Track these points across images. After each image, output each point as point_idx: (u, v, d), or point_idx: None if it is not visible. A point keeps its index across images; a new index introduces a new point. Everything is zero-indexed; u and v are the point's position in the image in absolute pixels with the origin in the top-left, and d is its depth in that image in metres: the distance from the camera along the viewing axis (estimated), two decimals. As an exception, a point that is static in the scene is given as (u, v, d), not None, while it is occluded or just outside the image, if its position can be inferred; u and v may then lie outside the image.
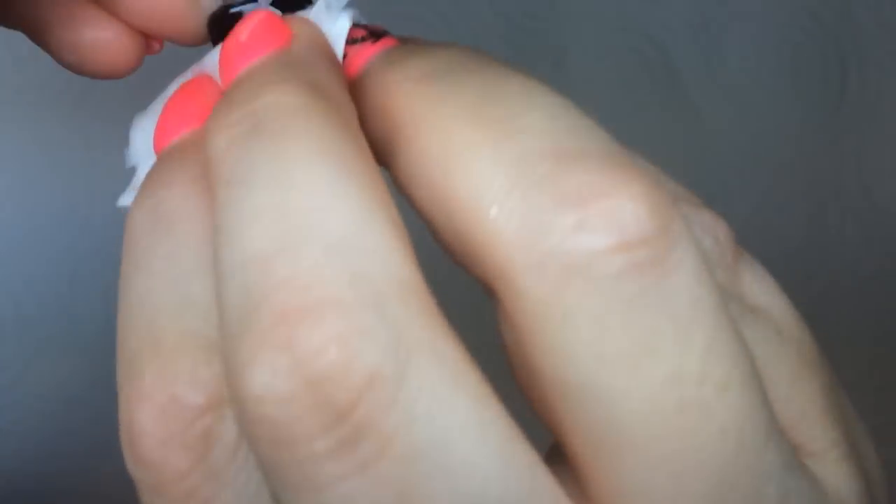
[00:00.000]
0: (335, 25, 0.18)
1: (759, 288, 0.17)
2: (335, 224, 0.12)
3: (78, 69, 0.21)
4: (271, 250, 0.12)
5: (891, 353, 0.60)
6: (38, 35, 0.21)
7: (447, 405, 0.12)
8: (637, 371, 0.12)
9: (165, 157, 0.17)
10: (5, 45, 0.22)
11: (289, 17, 0.18)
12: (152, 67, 0.23)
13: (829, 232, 0.59)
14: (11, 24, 0.22)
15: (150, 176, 0.16)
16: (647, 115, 0.57)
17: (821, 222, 0.59)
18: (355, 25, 0.18)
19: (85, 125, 0.51)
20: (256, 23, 0.17)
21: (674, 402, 0.12)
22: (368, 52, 0.17)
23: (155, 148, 0.18)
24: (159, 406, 0.14)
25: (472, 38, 0.55)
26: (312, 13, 0.18)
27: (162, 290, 0.15)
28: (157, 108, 0.19)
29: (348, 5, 0.18)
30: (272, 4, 0.19)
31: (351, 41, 0.18)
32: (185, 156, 0.16)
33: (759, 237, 0.59)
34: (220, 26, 0.19)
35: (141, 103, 0.20)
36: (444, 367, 0.12)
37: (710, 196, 0.65)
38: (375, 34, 0.18)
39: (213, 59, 0.19)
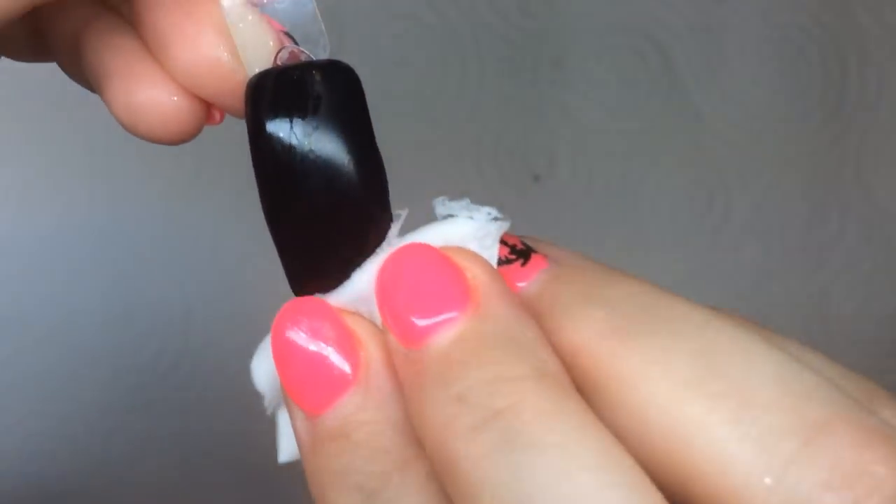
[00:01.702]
0: (485, 251, 0.17)
1: None
2: None
3: (131, 129, 0.19)
4: None
5: (891, 353, 0.60)
6: (100, 89, 0.20)
7: None
8: None
9: (350, 436, 0.16)
10: (5, 45, 0.22)
11: (450, 249, 0.17)
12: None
13: (829, 232, 0.59)
14: (86, 82, 0.20)
15: (337, 462, 0.16)
16: (647, 115, 0.57)
17: (821, 222, 0.59)
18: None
19: (85, 125, 0.51)
20: (422, 262, 0.16)
21: None
22: (521, 278, 0.18)
23: (308, 411, 0.17)
24: None
25: (473, 38, 0.55)
26: (458, 234, 0.17)
27: None
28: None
29: (496, 221, 0.18)
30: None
31: (498, 262, 0.18)
32: (372, 434, 0.16)
33: (760, 237, 0.59)
34: (259, 93, 0.18)
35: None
36: None
37: (710, 196, 0.65)
38: (521, 253, 0.18)
39: (354, 290, 0.17)
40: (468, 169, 0.55)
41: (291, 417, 0.17)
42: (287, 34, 0.19)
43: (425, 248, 0.17)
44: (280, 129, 0.17)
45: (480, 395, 0.15)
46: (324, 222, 0.17)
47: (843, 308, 0.60)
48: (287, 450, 0.19)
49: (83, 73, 0.20)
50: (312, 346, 0.17)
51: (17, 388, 0.53)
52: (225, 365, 0.54)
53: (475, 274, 0.16)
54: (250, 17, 0.18)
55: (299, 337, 0.17)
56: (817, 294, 0.60)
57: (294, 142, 0.17)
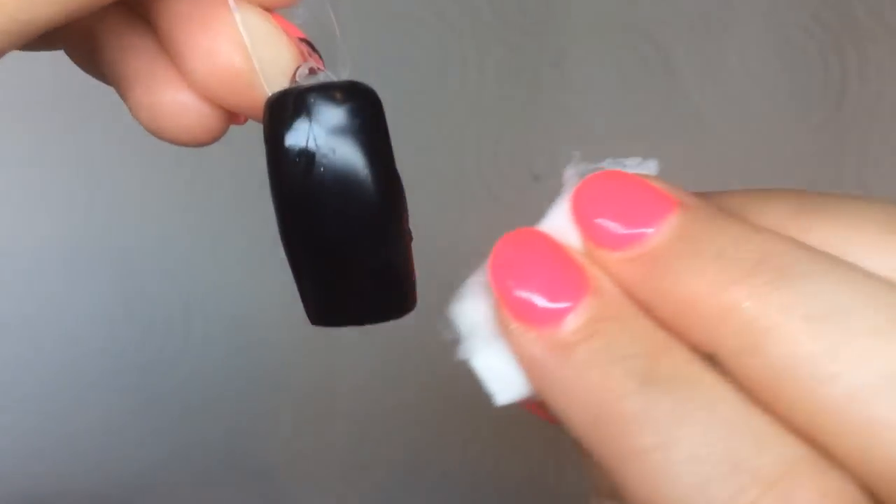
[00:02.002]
0: None
1: None
2: None
3: (155, 132, 0.19)
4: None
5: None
6: (120, 90, 0.19)
7: None
8: None
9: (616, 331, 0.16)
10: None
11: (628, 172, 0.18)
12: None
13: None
14: (100, 75, 0.20)
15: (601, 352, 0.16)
16: (647, 115, 0.57)
17: (821, 222, 0.59)
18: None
19: (85, 125, 0.51)
20: (618, 182, 0.17)
21: None
22: None
23: (544, 325, 0.17)
24: None
25: (472, 38, 0.55)
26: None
27: (708, 444, 0.15)
28: (478, 289, 0.17)
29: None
30: None
31: None
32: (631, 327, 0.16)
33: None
34: (279, 116, 0.17)
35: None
36: None
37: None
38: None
39: (549, 226, 0.18)
40: (468, 169, 0.55)
41: (520, 345, 0.17)
42: (306, 41, 0.19)
43: (614, 171, 0.18)
44: (298, 152, 0.17)
45: (738, 249, 0.15)
46: (341, 244, 0.17)
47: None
48: (504, 390, 0.18)
49: (95, 65, 0.20)
50: (537, 266, 0.17)
51: (17, 387, 0.53)
52: (225, 365, 0.54)
53: (662, 186, 0.17)
54: (267, 31, 0.18)
55: (523, 258, 0.17)
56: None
57: (312, 165, 0.17)
